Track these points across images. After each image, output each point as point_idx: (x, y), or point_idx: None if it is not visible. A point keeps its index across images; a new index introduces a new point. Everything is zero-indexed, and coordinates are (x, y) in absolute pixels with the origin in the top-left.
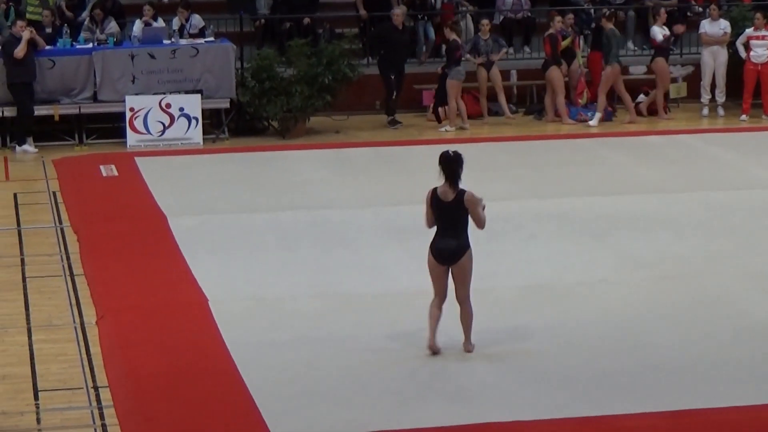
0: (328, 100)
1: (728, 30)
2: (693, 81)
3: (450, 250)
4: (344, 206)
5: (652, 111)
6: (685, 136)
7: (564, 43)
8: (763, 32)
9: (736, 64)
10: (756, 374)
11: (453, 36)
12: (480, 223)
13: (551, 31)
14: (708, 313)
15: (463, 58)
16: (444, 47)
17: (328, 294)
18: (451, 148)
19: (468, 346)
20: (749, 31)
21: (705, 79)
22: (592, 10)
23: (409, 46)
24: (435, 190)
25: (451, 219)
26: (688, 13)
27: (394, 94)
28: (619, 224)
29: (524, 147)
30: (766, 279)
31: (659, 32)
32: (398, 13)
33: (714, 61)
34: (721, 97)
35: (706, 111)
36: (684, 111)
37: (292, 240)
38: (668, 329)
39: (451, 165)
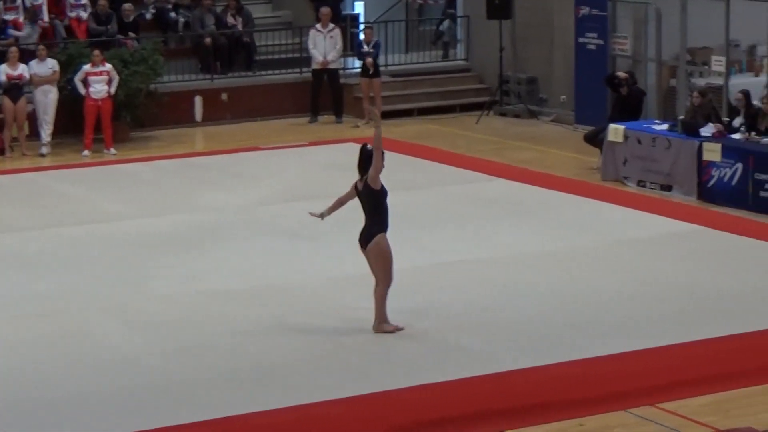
0: None
1: (56, 68)
2: (32, 120)
3: (361, 235)
4: None
5: None
6: (32, 174)
7: None
8: (101, 68)
9: (76, 100)
10: (114, 406)
11: None
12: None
13: None
14: (70, 348)
15: None
16: None
17: None
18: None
19: (379, 327)
20: (87, 67)
21: (41, 117)
22: None
23: None
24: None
25: (363, 206)
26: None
27: None
28: None
29: None
30: (123, 310)
31: (3, 72)
32: None
33: (46, 99)
34: (48, 135)
35: (44, 150)
36: (28, 149)
37: None
38: (32, 366)
39: (359, 159)
